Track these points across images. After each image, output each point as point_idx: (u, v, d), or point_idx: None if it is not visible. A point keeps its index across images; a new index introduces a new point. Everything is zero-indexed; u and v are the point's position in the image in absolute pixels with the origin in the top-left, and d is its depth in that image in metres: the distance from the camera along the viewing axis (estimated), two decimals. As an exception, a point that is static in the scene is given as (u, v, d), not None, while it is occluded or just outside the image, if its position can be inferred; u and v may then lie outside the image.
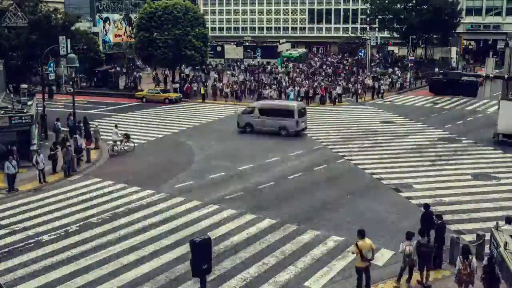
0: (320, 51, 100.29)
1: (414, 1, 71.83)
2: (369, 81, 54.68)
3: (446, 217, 19.92)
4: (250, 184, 24.71)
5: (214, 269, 15.10)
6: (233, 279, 15.71)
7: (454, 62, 71.15)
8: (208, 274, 11.83)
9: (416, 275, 15.33)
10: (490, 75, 31.44)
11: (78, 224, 20.04)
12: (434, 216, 16.76)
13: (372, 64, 72.02)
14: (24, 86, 33.58)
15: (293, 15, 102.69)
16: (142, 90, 52.67)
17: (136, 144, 32.12)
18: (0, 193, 23.73)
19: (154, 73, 63.13)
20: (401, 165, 27.71)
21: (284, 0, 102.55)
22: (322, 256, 17.15)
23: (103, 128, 35.67)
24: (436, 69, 62.72)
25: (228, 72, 67.81)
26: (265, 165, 27.83)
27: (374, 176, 25.75)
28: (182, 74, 57.92)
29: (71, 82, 44.98)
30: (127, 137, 31.41)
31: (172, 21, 51.57)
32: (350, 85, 53.00)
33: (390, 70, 67.23)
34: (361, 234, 14.47)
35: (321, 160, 28.67)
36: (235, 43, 75.84)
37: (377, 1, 75.13)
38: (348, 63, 75.04)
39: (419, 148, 31.43)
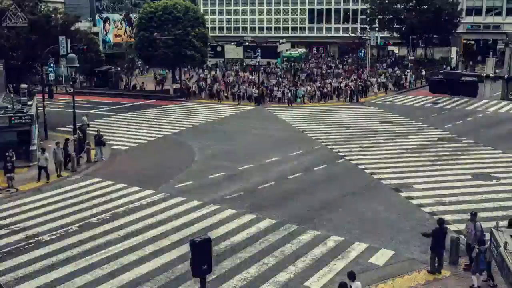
0: (320, 51, 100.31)
1: (414, 1, 71.82)
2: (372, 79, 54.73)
3: (446, 217, 19.93)
4: (250, 184, 24.70)
5: (214, 269, 15.08)
6: (233, 279, 15.71)
7: (454, 62, 71.13)
8: (208, 274, 11.83)
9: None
10: (490, 75, 31.41)
11: (78, 224, 20.02)
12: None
13: (377, 64, 72.52)
14: (24, 86, 33.53)
15: (293, 15, 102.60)
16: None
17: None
18: (0, 193, 23.75)
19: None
20: (401, 165, 27.70)
21: (284, 0, 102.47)
22: (322, 256, 17.14)
23: (103, 129, 35.62)
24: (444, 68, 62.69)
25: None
26: (265, 165, 27.81)
27: (374, 176, 25.74)
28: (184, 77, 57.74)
29: (71, 82, 44.97)
30: None
31: (172, 21, 51.57)
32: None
33: (390, 70, 67.28)
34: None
35: (321, 160, 28.66)
36: (235, 43, 75.88)
37: (377, 1, 75.11)
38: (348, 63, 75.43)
39: (419, 148, 31.42)
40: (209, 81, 57.90)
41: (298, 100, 48.60)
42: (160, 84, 58.08)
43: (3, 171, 24.43)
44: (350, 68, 70.43)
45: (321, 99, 49.34)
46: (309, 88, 50.91)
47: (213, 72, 64.36)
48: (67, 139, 29.03)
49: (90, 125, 36.23)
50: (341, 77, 58.98)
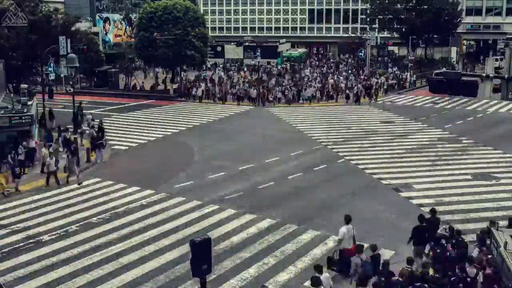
0: (320, 51, 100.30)
1: (414, 1, 71.81)
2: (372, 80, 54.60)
3: (446, 217, 19.97)
4: (250, 184, 24.70)
5: (214, 269, 15.09)
6: (233, 279, 15.71)
7: (454, 62, 71.09)
8: (208, 274, 11.82)
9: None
10: (490, 75, 31.41)
11: (78, 224, 20.03)
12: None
13: (377, 64, 72.53)
14: (24, 86, 33.56)
15: (293, 15, 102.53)
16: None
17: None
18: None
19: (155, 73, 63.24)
20: (401, 165, 27.70)
21: (284, 0, 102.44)
22: (322, 256, 17.13)
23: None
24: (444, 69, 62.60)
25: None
26: (265, 165, 27.81)
27: (374, 176, 25.74)
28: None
29: (71, 82, 44.97)
30: None
31: (172, 21, 51.54)
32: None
33: (390, 70, 67.26)
34: None
35: (321, 160, 28.66)
36: (235, 43, 75.89)
37: (377, 1, 75.09)
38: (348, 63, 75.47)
39: (419, 148, 31.43)
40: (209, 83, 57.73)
41: (301, 100, 48.66)
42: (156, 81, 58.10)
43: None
44: (350, 68, 70.47)
45: (321, 99, 49.35)
46: (313, 89, 50.58)
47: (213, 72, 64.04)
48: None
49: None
50: (342, 77, 58.95)
